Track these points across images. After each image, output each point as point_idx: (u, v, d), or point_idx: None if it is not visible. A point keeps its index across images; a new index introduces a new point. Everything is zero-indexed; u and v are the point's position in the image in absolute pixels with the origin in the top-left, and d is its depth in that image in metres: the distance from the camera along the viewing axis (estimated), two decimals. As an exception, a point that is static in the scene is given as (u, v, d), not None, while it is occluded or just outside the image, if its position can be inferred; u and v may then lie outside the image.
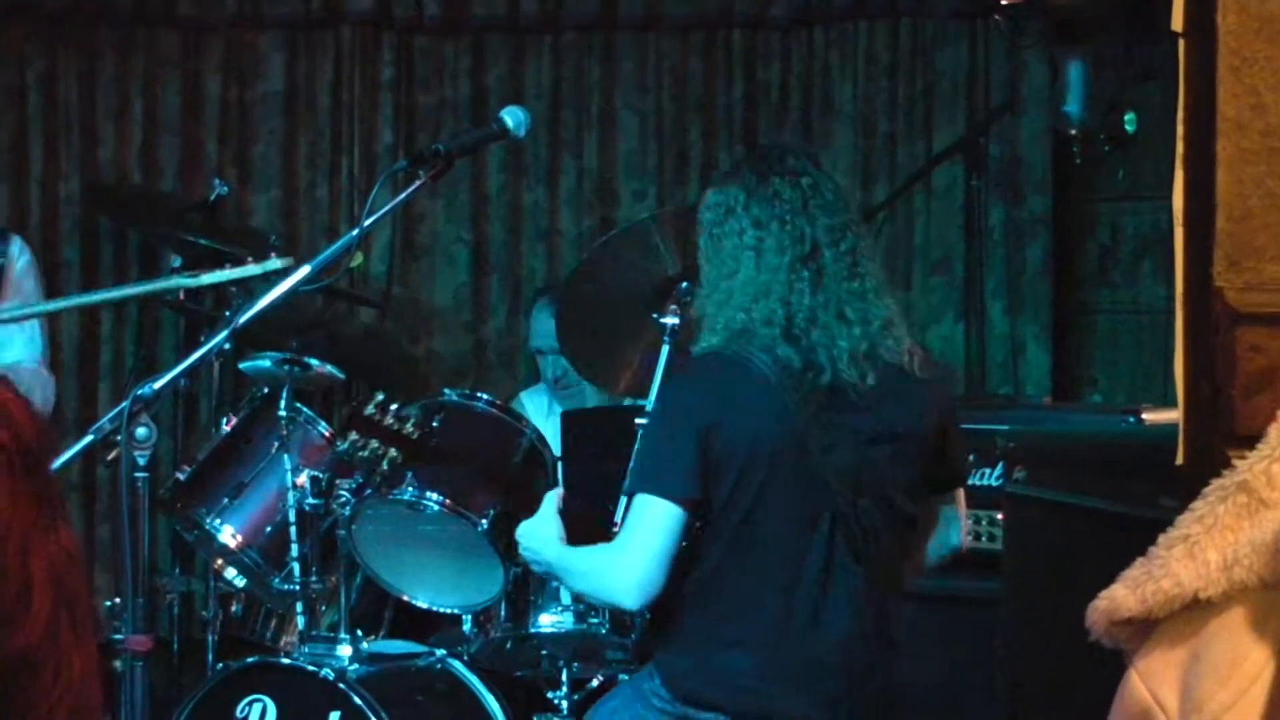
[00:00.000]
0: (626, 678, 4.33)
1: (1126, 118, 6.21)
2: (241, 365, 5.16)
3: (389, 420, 4.12)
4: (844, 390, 3.50)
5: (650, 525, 3.48)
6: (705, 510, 3.51)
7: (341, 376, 5.26)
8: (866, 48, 6.75)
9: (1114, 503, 3.59)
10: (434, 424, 4.65)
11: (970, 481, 4.90)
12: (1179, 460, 2.43)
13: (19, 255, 5.27)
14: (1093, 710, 1.65)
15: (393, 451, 4.15)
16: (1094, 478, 3.82)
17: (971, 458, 4.59)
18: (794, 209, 3.56)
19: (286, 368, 4.83)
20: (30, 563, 1.40)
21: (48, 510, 1.43)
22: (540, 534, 3.73)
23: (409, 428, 4.11)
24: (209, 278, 4.46)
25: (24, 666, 1.38)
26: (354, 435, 4.16)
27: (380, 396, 4.24)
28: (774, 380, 3.48)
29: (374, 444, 4.13)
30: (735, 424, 3.48)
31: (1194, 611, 1.52)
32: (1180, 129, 2.41)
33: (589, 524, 3.81)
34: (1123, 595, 1.55)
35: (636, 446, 3.71)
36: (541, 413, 6.08)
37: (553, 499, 3.77)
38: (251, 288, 4.56)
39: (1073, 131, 6.29)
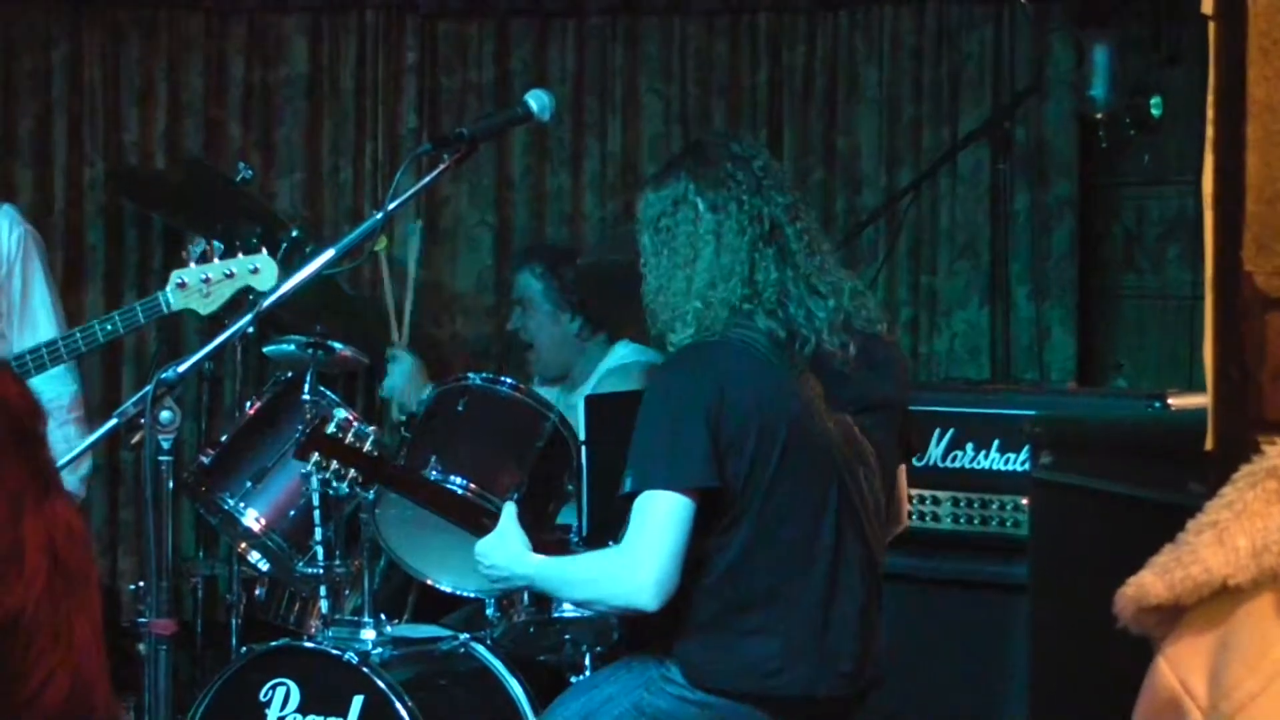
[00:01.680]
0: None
1: (1152, 101, 6.19)
2: (265, 349, 5.17)
3: (350, 439, 4.09)
4: (830, 360, 3.51)
5: (663, 520, 3.41)
6: (722, 496, 3.46)
7: (365, 360, 5.27)
8: (892, 31, 6.73)
9: (1141, 488, 3.58)
10: (459, 408, 4.65)
11: (996, 466, 4.92)
12: (1208, 446, 2.41)
13: (9, 231, 5.10)
14: (1120, 697, 1.64)
15: (353, 472, 4.13)
16: (1121, 463, 3.81)
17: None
18: (749, 189, 3.56)
19: (310, 351, 4.84)
20: (23, 526, 1.40)
21: (41, 481, 1.43)
22: (509, 550, 3.68)
23: (370, 446, 4.09)
24: (213, 304, 4.47)
25: (19, 627, 1.37)
26: (316, 456, 4.13)
27: (341, 415, 4.20)
28: (768, 355, 3.48)
29: (334, 465, 4.11)
30: (742, 402, 3.44)
31: (1223, 598, 1.51)
32: (1210, 112, 2.39)
33: (549, 541, 3.79)
34: (1151, 582, 1.54)
35: (636, 445, 3.55)
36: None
37: (512, 511, 3.73)
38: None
39: (1098, 115, 6.27)
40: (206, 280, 4.43)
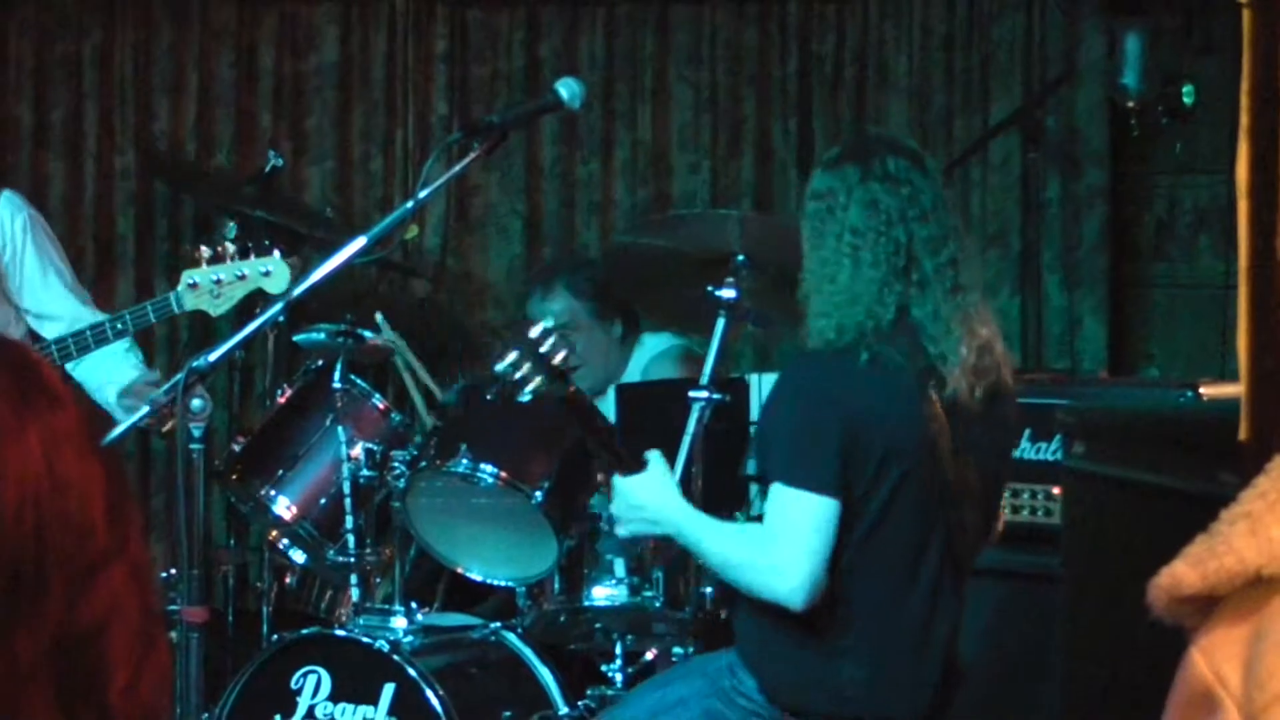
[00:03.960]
0: (681, 652, 4.32)
1: (1184, 90, 6.16)
2: (296, 337, 5.17)
3: (546, 348, 3.91)
4: (957, 401, 3.46)
5: (809, 521, 3.38)
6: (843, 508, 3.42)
7: (394, 347, 5.27)
8: (922, 19, 6.71)
9: (1174, 478, 3.56)
10: (488, 397, 4.65)
11: (1027, 455, 4.91)
12: (1241, 436, 2.40)
13: (11, 217, 5.03)
14: (1153, 687, 1.63)
15: (539, 380, 3.91)
16: (1153, 453, 3.79)
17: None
18: (890, 219, 3.46)
19: (341, 340, 4.84)
20: (126, 520, 1.41)
21: (125, 479, 1.44)
22: (661, 492, 3.61)
23: (558, 360, 3.90)
24: (223, 305, 4.47)
25: (115, 620, 1.38)
26: (513, 354, 3.92)
27: (547, 324, 4.01)
28: (905, 379, 3.42)
29: (527, 367, 3.89)
30: (876, 418, 3.41)
31: (1257, 589, 1.50)
32: (1244, 101, 2.38)
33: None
34: (1184, 572, 1.53)
35: (769, 434, 3.52)
36: None
37: (659, 455, 3.65)
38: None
39: (1130, 104, 6.24)
40: (218, 282, 4.44)
